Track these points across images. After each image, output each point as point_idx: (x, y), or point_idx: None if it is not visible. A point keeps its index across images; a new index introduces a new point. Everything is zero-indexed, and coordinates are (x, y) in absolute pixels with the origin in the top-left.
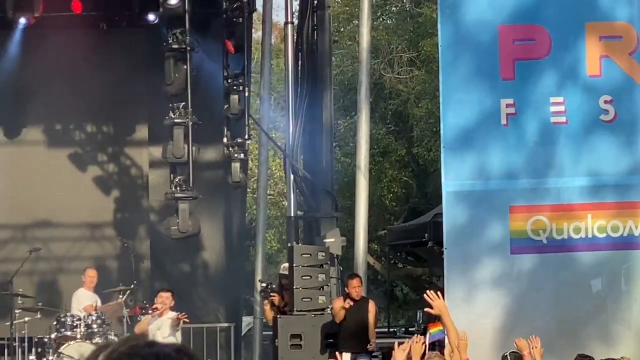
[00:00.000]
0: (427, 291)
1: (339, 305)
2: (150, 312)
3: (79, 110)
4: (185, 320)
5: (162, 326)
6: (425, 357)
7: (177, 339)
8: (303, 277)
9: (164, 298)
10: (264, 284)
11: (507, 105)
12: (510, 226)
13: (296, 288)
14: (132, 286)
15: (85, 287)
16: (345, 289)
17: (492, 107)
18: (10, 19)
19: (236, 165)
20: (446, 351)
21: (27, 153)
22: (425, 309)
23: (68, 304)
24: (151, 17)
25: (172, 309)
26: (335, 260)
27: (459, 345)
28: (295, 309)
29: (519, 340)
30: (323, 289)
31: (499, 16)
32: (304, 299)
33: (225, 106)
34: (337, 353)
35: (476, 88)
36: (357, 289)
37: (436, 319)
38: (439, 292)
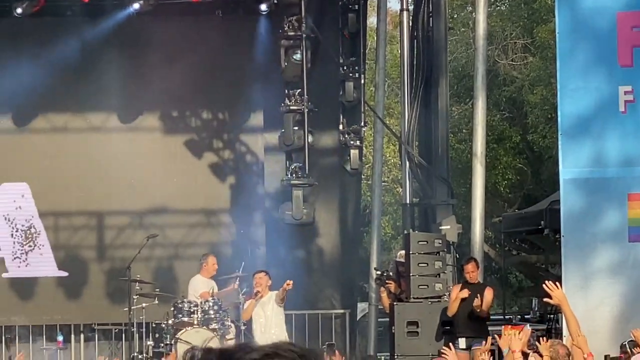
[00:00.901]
0: (546, 281)
1: (455, 295)
2: (253, 297)
3: (195, 97)
4: (288, 287)
5: (267, 305)
6: (549, 344)
7: (282, 315)
8: (419, 265)
9: (259, 279)
10: (379, 272)
11: (626, 93)
12: (628, 214)
13: (412, 275)
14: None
15: (203, 274)
16: (464, 273)
17: (610, 94)
18: (125, 5)
19: (355, 153)
20: (567, 341)
21: (143, 140)
22: (544, 299)
23: (185, 290)
24: (263, 6)
25: (270, 289)
26: (452, 247)
27: (579, 341)
28: (411, 296)
29: (636, 331)
30: (439, 276)
31: (617, 3)
32: (420, 286)
33: (341, 93)
34: (449, 345)
35: (594, 75)
36: (471, 273)
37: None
38: (557, 283)
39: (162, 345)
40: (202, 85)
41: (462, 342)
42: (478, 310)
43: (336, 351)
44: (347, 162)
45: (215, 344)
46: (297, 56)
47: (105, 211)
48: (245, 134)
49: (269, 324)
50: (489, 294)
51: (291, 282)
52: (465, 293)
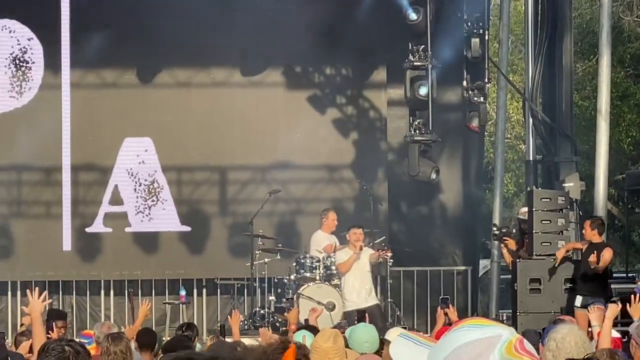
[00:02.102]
0: None
1: (562, 253)
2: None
3: (318, 52)
4: (386, 257)
5: (361, 260)
6: None
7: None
8: (542, 222)
9: (359, 234)
10: (497, 229)
11: None
12: None
13: (535, 232)
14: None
15: (324, 229)
16: (582, 232)
17: None
18: None
19: (484, 107)
20: None
21: (267, 95)
22: None
23: (307, 245)
24: None
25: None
26: (575, 204)
27: None
28: (534, 253)
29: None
30: (562, 234)
31: None
32: (543, 244)
33: (465, 49)
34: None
35: None
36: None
37: None
38: None
39: (284, 300)
40: (325, 40)
41: (578, 300)
42: (592, 266)
43: (450, 305)
44: (472, 118)
45: (337, 299)
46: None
47: (228, 166)
48: (369, 90)
49: (364, 279)
50: (606, 252)
51: (388, 254)
52: (561, 253)
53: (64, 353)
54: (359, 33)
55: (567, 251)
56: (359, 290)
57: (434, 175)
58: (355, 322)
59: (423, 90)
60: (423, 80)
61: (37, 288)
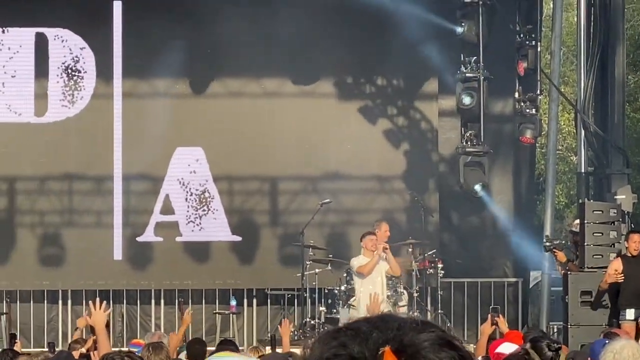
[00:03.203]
0: None
1: (613, 270)
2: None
3: (370, 63)
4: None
5: (379, 269)
6: None
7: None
8: (594, 234)
9: (375, 240)
10: (547, 242)
11: None
12: None
13: (587, 245)
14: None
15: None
16: (625, 243)
17: None
18: None
19: (538, 120)
20: None
21: (318, 105)
22: None
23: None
24: None
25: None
26: (627, 217)
27: None
28: (586, 266)
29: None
30: (614, 246)
31: None
32: (594, 256)
33: (517, 60)
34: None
35: None
36: (637, 243)
37: None
38: None
39: (334, 311)
40: (377, 51)
41: (630, 313)
42: None
43: (500, 315)
44: (524, 130)
45: (387, 310)
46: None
47: (279, 176)
48: (420, 101)
49: (377, 289)
50: None
51: (386, 247)
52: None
53: None
54: (410, 43)
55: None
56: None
57: (478, 188)
58: None
59: (467, 100)
60: (470, 90)
61: (97, 299)
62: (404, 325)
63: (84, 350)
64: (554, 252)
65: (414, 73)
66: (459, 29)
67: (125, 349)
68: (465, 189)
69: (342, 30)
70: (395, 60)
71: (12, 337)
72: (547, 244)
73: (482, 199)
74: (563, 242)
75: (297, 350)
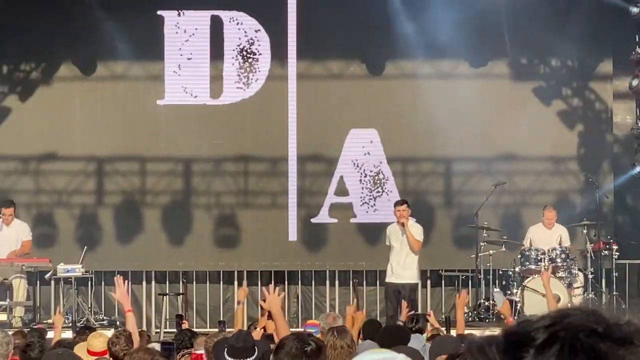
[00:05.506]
0: None
1: None
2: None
3: (544, 44)
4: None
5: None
6: None
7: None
8: None
9: (402, 211)
10: None
11: None
12: None
13: None
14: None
15: (544, 224)
16: None
17: None
18: None
19: None
20: None
21: (492, 86)
22: None
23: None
24: None
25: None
26: None
27: None
28: None
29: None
30: None
31: None
32: None
33: None
34: None
35: None
36: None
37: None
38: None
39: (509, 292)
40: (551, 32)
41: None
42: None
43: None
44: None
45: (562, 291)
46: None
47: (453, 157)
48: (594, 81)
49: (402, 254)
50: None
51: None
52: None
53: (307, 346)
54: (585, 24)
55: None
56: (395, 266)
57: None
58: (391, 298)
59: (635, 81)
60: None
61: (272, 284)
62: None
63: (259, 329)
64: None
65: (589, 54)
66: (634, 9)
67: (300, 329)
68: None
69: (515, 11)
70: (570, 41)
71: (179, 318)
72: None
73: None
74: None
75: (471, 331)
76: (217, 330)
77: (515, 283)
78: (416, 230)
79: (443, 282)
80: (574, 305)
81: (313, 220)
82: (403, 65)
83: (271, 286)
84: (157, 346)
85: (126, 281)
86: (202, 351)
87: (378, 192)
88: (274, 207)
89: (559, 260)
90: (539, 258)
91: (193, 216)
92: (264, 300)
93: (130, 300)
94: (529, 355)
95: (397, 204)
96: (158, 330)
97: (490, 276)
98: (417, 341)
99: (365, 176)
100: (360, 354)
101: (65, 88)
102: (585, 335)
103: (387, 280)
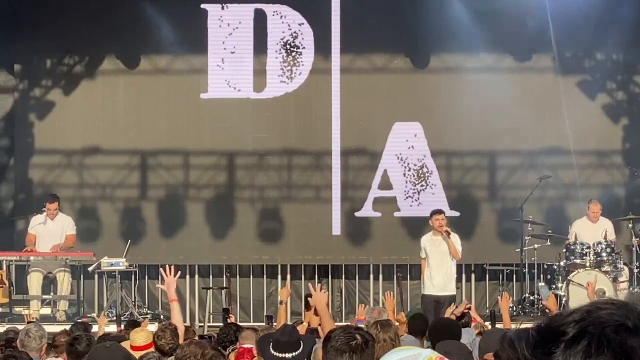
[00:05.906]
0: None
1: None
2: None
3: (589, 37)
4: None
5: (444, 246)
6: None
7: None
8: None
9: (441, 220)
10: None
11: None
12: None
13: None
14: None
15: (589, 218)
16: None
17: None
18: None
19: None
20: None
21: (535, 80)
22: None
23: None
24: None
25: None
26: None
27: None
28: None
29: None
30: None
31: None
32: None
33: None
34: None
35: None
36: None
37: None
38: None
39: (554, 287)
40: (597, 25)
41: None
42: None
43: None
44: None
45: (607, 286)
46: None
47: (498, 151)
48: (639, 75)
49: (443, 266)
50: None
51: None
52: None
53: (353, 340)
54: (630, 18)
55: None
56: (435, 278)
57: None
58: (430, 310)
59: None
60: None
61: (316, 282)
62: None
63: (304, 323)
64: None
65: (634, 47)
66: None
67: (344, 323)
68: None
69: (560, 5)
70: (614, 35)
71: (226, 312)
72: None
73: None
74: None
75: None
76: (264, 324)
77: (560, 277)
78: (456, 239)
79: (487, 276)
80: (605, 298)
81: (357, 214)
82: (447, 59)
83: (317, 285)
84: None
85: (178, 272)
86: (249, 345)
87: (422, 185)
88: (318, 201)
89: (604, 254)
90: (584, 252)
91: (236, 210)
92: (310, 296)
93: (175, 291)
94: (558, 350)
95: (435, 212)
96: (202, 324)
97: (535, 270)
98: (467, 335)
99: (409, 170)
100: (387, 353)
101: (109, 82)
102: (613, 331)
103: (426, 292)
